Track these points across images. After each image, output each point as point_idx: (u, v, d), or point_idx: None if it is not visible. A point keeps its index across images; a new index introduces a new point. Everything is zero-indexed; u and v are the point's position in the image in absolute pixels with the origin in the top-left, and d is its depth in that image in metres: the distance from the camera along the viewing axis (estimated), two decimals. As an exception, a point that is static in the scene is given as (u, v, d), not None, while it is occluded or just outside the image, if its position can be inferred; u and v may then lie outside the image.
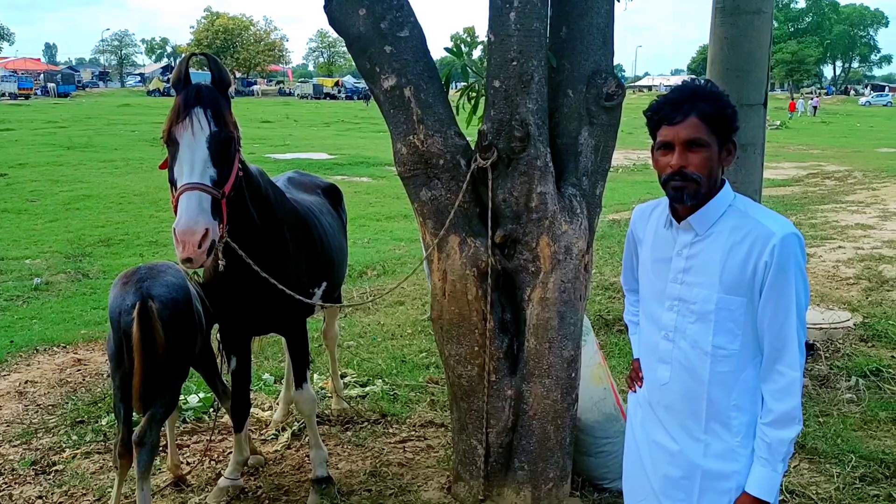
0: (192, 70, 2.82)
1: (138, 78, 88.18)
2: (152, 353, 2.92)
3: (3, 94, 49.46)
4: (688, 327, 1.97)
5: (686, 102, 1.87)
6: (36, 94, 54.35)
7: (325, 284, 3.70)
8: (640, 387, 2.19)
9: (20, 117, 30.91)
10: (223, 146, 2.70)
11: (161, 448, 3.73)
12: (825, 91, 69.29)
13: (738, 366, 1.94)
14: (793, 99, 56.29)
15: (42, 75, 65.92)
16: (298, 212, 3.49)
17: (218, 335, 3.59)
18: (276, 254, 3.19)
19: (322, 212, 3.85)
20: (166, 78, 66.06)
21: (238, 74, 79.31)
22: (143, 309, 2.89)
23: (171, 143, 2.68)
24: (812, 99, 53.21)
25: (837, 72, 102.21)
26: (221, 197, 2.66)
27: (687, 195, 1.89)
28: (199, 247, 2.50)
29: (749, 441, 1.94)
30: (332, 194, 4.27)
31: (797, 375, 1.86)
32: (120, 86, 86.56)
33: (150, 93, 62.70)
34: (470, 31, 3.68)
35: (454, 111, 3.27)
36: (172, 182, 2.67)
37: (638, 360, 2.27)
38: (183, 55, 2.50)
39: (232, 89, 2.95)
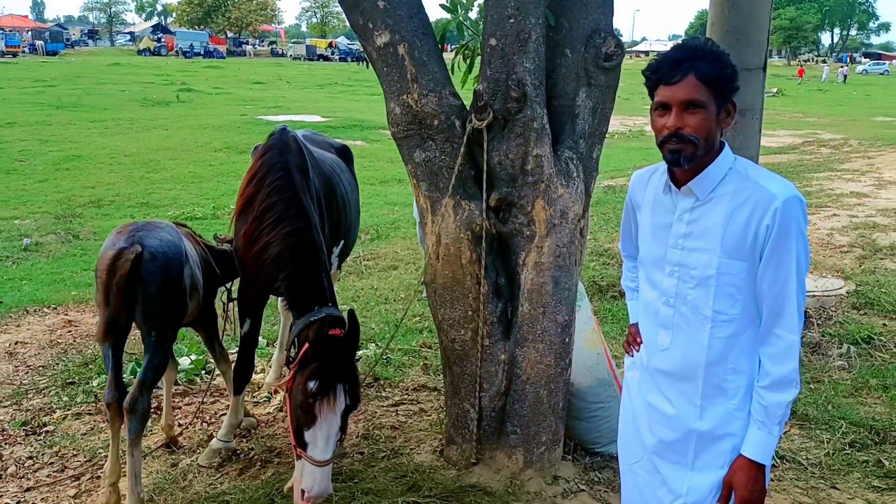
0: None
1: (128, 36, 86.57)
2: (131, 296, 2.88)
3: (-9, 52, 48.56)
4: (688, 292, 1.95)
5: (685, 62, 1.80)
6: (24, 52, 53.21)
7: (342, 242, 3.79)
8: (638, 351, 2.18)
9: (8, 76, 30.32)
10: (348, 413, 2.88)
11: (153, 409, 3.73)
12: (822, 59, 69.30)
13: (738, 330, 1.92)
14: (801, 65, 56.30)
15: (30, 33, 64.59)
16: (325, 172, 3.53)
17: (223, 298, 3.62)
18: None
19: (342, 169, 3.91)
20: (157, 37, 64.92)
21: (229, 34, 77.93)
22: (136, 256, 2.83)
23: (307, 407, 2.73)
24: (842, 67, 53.63)
25: (835, 39, 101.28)
26: None
27: (684, 158, 1.83)
28: None
29: (745, 404, 1.93)
30: (345, 155, 4.31)
31: (795, 339, 1.85)
32: (109, 44, 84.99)
33: (140, 52, 61.52)
34: (467, -9, 3.58)
35: (449, 71, 3.19)
36: (300, 439, 2.77)
37: (635, 324, 2.25)
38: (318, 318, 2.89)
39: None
